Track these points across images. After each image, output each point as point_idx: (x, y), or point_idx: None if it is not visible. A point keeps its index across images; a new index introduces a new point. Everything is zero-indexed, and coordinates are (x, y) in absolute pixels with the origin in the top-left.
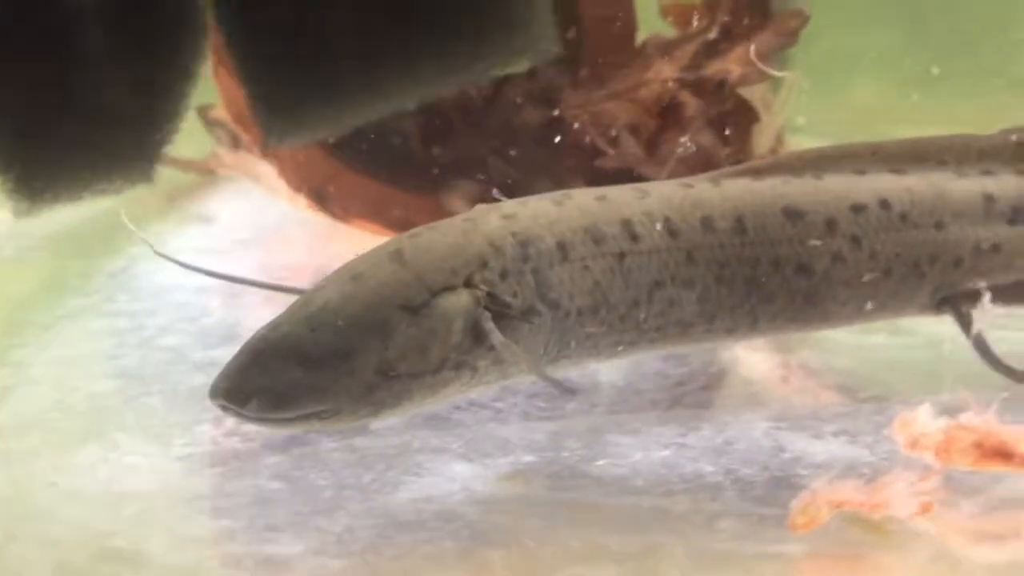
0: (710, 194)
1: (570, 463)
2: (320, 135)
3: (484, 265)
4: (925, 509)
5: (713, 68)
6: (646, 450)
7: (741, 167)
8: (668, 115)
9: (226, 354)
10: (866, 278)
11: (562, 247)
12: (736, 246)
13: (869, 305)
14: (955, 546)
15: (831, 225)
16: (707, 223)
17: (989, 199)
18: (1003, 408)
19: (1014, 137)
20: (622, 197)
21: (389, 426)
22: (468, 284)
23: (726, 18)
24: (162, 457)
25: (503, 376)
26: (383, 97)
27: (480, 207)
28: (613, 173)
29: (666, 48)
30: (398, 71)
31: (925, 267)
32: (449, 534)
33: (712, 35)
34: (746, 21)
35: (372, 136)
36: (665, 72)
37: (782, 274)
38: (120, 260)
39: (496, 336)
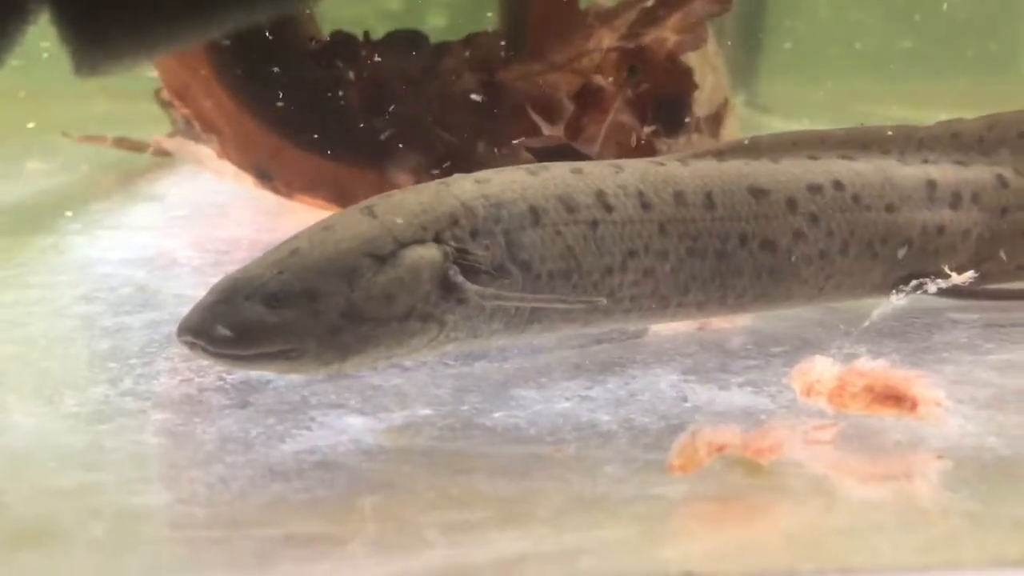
0: (680, 171)
1: (467, 416)
2: (133, 62)
3: (455, 223)
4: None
5: (651, 36)
6: (548, 402)
7: (704, 150)
8: (586, 98)
9: (139, 320)
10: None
11: (535, 212)
12: (706, 220)
13: (827, 283)
14: (844, 487)
15: (791, 204)
16: (679, 197)
17: (932, 184)
18: (895, 358)
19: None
20: (597, 171)
21: (288, 382)
22: (438, 240)
23: None
24: (48, 416)
25: (473, 333)
26: (196, 22)
27: (456, 175)
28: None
29: (606, 16)
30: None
31: (877, 246)
32: (324, 483)
33: (649, 2)
34: None
35: (312, 110)
36: (605, 41)
37: (748, 249)
38: (52, 237)
39: (467, 286)
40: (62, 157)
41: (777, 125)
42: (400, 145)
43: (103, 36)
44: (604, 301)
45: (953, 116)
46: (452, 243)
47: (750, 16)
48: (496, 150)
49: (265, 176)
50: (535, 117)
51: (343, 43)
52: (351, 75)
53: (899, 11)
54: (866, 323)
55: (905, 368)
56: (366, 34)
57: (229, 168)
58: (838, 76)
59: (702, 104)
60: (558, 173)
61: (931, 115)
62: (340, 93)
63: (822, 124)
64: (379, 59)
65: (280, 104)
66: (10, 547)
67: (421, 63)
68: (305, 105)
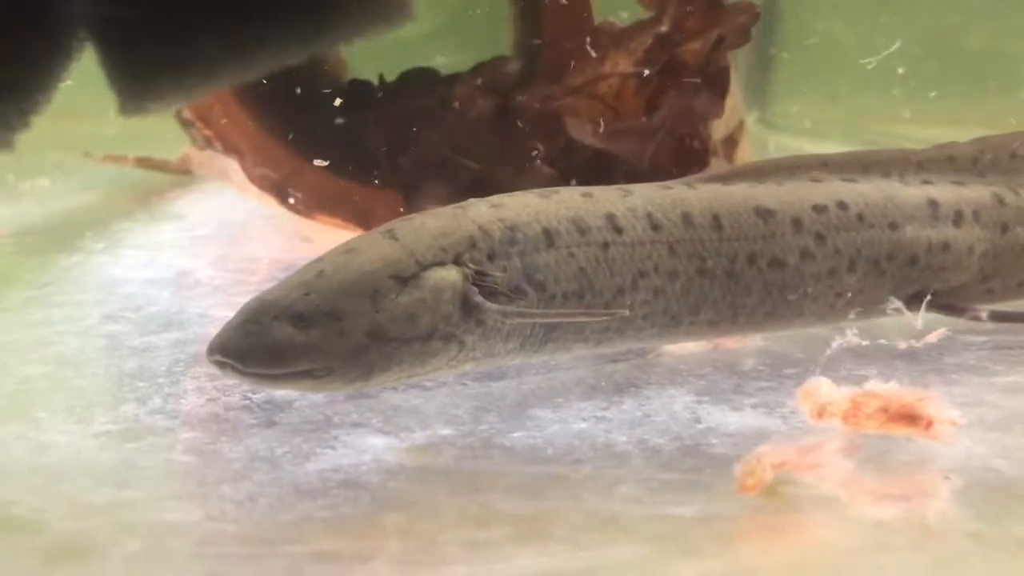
0: (687, 194)
1: (485, 436)
2: (175, 102)
3: (473, 246)
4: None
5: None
6: (564, 423)
7: (708, 175)
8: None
9: (164, 340)
10: (850, 280)
11: (548, 234)
12: (714, 241)
13: (838, 300)
14: (854, 507)
15: (797, 224)
16: (687, 219)
17: (934, 204)
18: (905, 380)
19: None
20: (606, 194)
21: (311, 402)
22: (457, 262)
23: (676, 10)
24: (80, 435)
25: (490, 352)
26: (236, 65)
27: (471, 199)
28: (582, 161)
29: (619, 38)
30: (249, 40)
31: (884, 263)
32: (348, 501)
33: (664, 27)
34: (696, 15)
35: (333, 137)
36: (621, 65)
37: (757, 267)
38: (77, 256)
39: (487, 306)
40: (79, 175)
41: (790, 143)
42: (422, 174)
43: (148, 76)
44: (626, 312)
45: (969, 135)
46: (471, 265)
47: (764, 34)
48: (517, 167)
49: (285, 195)
50: (571, 127)
51: (360, 88)
52: (370, 117)
53: (913, 31)
54: (832, 348)
55: (915, 389)
56: (381, 77)
57: (252, 185)
58: (852, 94)
59: (718, 127)
60: (569, 197)
61: (946, 134)
62: (361, 133)
63: (836, 141)
64: (395, 98)
65: (301, 128)
66: (50, 562)
67: (435, 96)
68: (326, 132)
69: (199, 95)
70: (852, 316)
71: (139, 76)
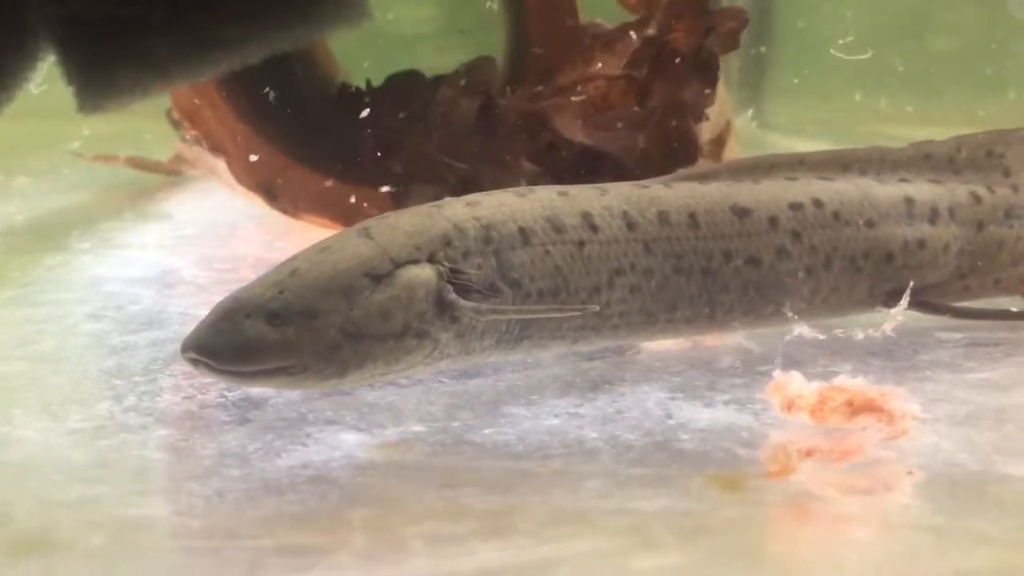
0: (664, 193)
1: (458, 432)
2: (132, 100)
3: (448, 244)
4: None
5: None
6: (537, 419)
7: (686, 173)
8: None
9: (144, 339)
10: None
11: (524, 233)
12: (691, 239)
13: (815, 298)
14: (817, 501)
15: (773, 222)
16: (663, 217)
17: (910, 201)
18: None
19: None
20: (582, 193)
21: (287, 399)
22: (432, 260)
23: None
24: (54, 432)
25: (466, 350)
26: (192, 64)
27: (447, 198)
28: (569, 158)
29: (606, 40)
30: (204, 39)
31: (860, 261)
32: (316, 496)
33: (651, 31)
34: (684, 19)
35: (321, 137)
36: (609, 67)
37: (734, 265)
38: (63, 255)
39: (461, 303)
40: (69, 175)
41: (784, 142)
42: (409, 175)
43: (107, 75)
44: (597, 308)
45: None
46: (445, 263)
47: (757, 33)
48: (501, 166)
49: (272, 195)
50: (559, 122)
51: (348, 91)
52: (358, 119)
53: (907, 31)
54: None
55: (887, 385)
56: (368, 81)
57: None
58: (846, 94)
59: (705, 128)
60: (545, 195)
61: (937, 134)
62: (348, 134)
63: (828, 142)
64: (382, 100)
65: (288, 128)
66: (13, 554)
67: (421, 97)
68: (314, 133)
69: (156, 93)
70: (828, 313)
71: (96, 75)
